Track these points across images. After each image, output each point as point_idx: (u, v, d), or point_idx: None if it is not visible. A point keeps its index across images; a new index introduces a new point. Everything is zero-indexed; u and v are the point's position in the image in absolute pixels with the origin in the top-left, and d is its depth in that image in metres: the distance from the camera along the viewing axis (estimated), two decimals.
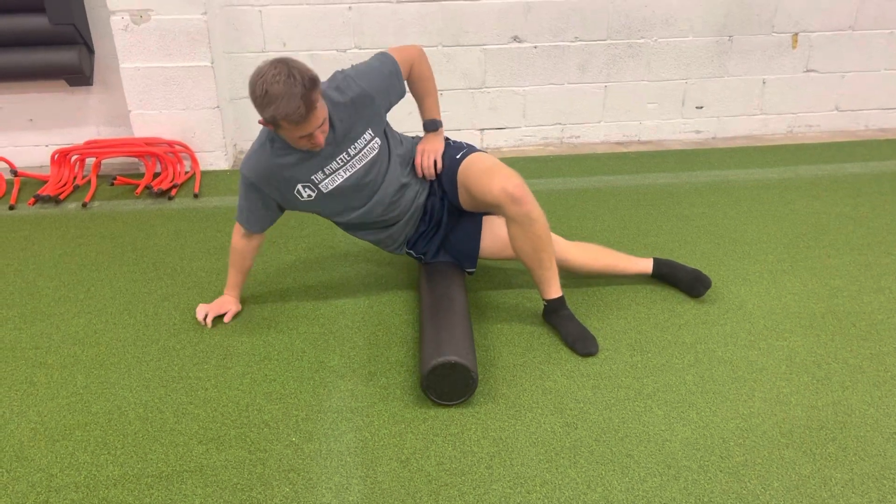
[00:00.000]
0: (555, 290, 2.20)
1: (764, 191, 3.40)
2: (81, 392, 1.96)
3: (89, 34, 3.60)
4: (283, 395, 1.95)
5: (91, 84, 3.71)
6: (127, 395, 1.95)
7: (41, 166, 3.80)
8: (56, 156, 3.57)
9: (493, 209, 2.17)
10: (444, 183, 2.30)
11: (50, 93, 3.74)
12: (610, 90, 4.11)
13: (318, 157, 2.08)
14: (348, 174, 2.14)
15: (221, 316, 2.32)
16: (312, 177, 2.12)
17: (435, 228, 2.37)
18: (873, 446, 1.74)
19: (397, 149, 2.25)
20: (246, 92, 3.94)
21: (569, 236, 2.71)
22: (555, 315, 2.21)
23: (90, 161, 3.65)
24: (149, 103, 3.58)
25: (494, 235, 2.33)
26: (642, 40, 4.00)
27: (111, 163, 3.77)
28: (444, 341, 1.92)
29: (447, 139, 2.39)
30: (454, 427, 1.82)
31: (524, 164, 3.84)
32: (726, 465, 1.68)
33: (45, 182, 3.51)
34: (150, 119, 3.63)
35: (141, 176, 3.60)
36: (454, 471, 1.68)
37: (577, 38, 3.94)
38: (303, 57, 3.74)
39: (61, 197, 3.36)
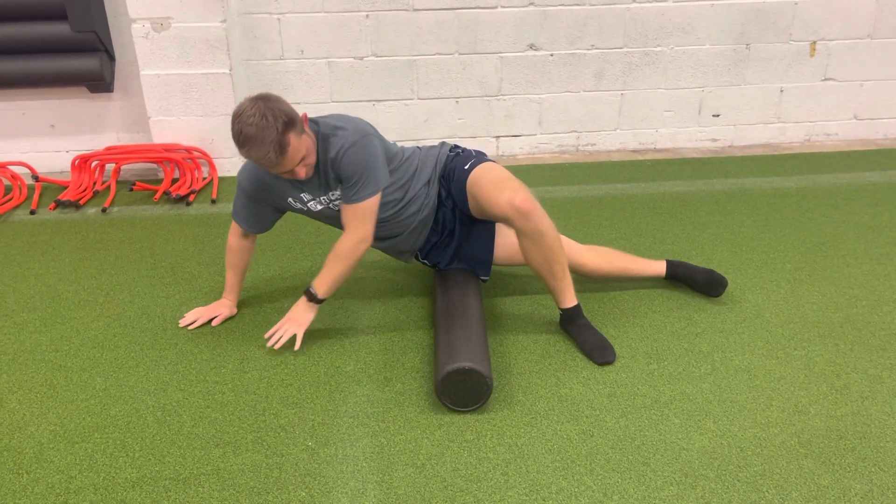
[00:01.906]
0: (570, 299, 2.20)
1: (781, 199, 3.38)
2: (100, 395, 1.98)
3: (110, 41, 3.65)
4: (299, 399, 1.96)
5: (111, 91, 3.76)
6: (145, 399, 1.96)
7: (62, 172, 3.85)
8: (76, 161, 3.62)
9: (501, 221, 2.18)
10: (454, 194, 2.29)
11: (71, 99, 3.79)
12: (626, 98, 4.11)
13: (305, 181, 2.10)
14: (334, 205, 2.17)
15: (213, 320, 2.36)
16: (301, 195, 2.15)
17: (448, 238, 2.37)
18: (893, 457, 1.72)
19: (396, 180, 2.20)
20: None
21: (583, 243, 2.70)
22: (571, 324, 2.21)
23: (110, 167, 3.69)
24: (168, 110, 3.62)
25: (507, 242, 2.34)
26: (659, 48, 3.99)
27: (130, 168, 3.82)
28: (459, 348, 1.92)
29: (457, 147, 2.37)
30: (469, 433, 1.82)
31: (540, 172, 3.85)
32: (744, 475, 1.67)
33: (66, 187, 3.56)
34: (169, 125, 3.66)
35: (160, 181, 3.64)
36: (470, 477, 1.68)
37: (593, 45, 3.94)
38: (320, 65, 3.79)
39: (81, 202, 3.40)
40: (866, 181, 3.61)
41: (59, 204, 3.36)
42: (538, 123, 4.12)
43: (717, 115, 4.22)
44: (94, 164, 3.64)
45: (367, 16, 3.72)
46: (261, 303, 2.46)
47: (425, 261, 2.44)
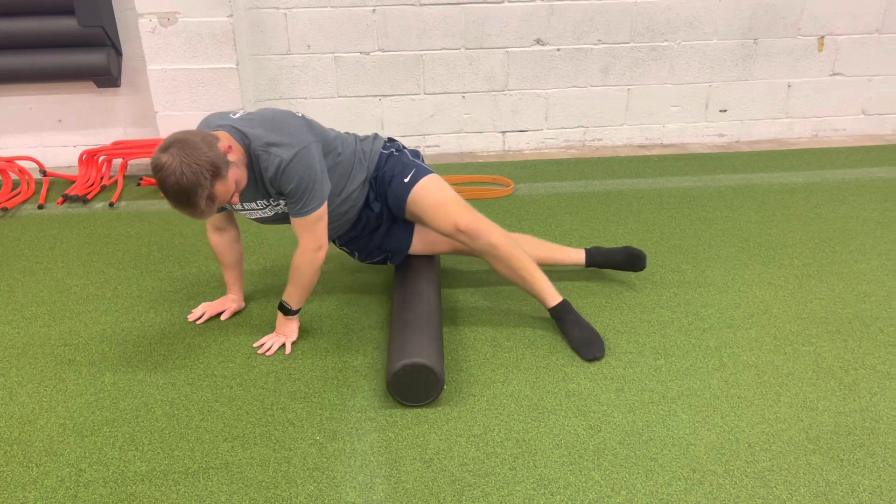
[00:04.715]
0: (552, 298, 2.20)
1: (789, 195, 3.37)
2: (109, 389, 1.99)
3: (117, 36, 3.66)
4: (308, 394, 1.96)
5: (119, 85, 3.77)
6: (154, 393, 1.97)
7: (69, 166, 3.86)
8: (84, 156, 3.63)
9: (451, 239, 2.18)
10: (390, 204, 2.25)
11: (78, 94, 3.80)
12: (633, 93, 4.10)
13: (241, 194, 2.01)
14: (271, 210, 2.14)
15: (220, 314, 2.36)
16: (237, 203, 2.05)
17: (369, 236, 2.35)
18: None
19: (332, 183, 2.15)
20: (270, 94, 4.00)
21: (591, 240, 2.72)
22: (561, 321, 2.21)
23: (117, 161, 3.70)
24: (175, 104, 3.62)
25: (425, 235, 2.34)
26: (666, 43, 3.98)
27: (138, 163, 3.82)
28: (392, 352, 1.93)
29: (391, 144, 2.31)
30: (477, 428, 1.82)
31: (546, 167, 3.84)
32: (752, 471, 1.67)
33: (73, 182, 3.57)
34: (176, 120, 3.66)
35: None
36: (477, 472, 1.68)
37: (600, 40, 3.93)
38: (327, 59, 3.79)
39: (89, 196, 3.41)
40: (875, 177, 3.60)
41: (67, 198, 3.37)
42: (545, 118, 4.11)
43: (725, 111, 4.21)
44: (101, 158, 3.65)
45: (374, 10, 3.71)
46: (268, 296, 2.47)
47: (343, 248, 2.44)
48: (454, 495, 1.61)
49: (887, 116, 4.33)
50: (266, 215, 2.15)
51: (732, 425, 1.82)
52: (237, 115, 2.00)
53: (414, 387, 1.87)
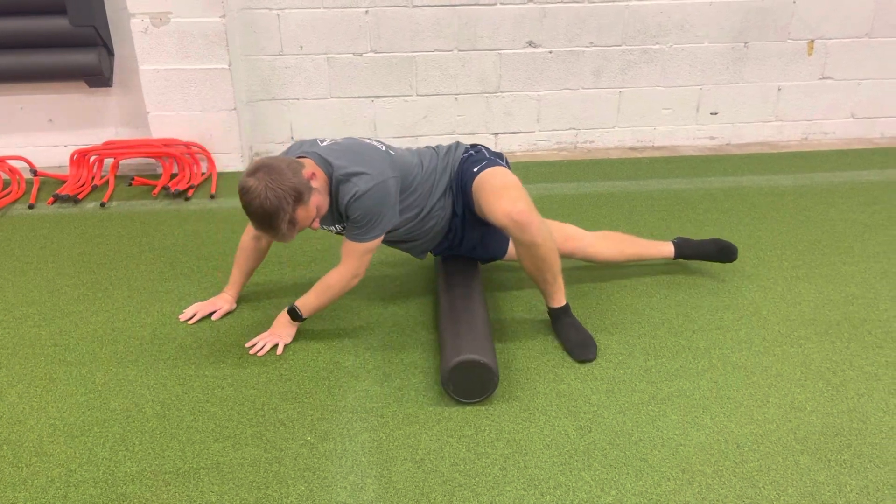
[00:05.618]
0: (558, 301, 2.21)
1: (779, 198, 3.39)
2: (100, 389, 1.99)
3: (109, 36, 3.65)
4: (299, 394, 1.96)
5: (110, 85, 3.76)
6: (145, 393, 1.97)
7: (60, 166, 3.84)
8: (75, 156, 3.62)
9: (499, 227, 2.17)
10: (464, 200, 2.27)
11: (69, 94, 3.78)
12: (624, 96, 4.11)
13: None
14: (335, 232, 2.22)
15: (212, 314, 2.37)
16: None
17: (458, 244, 2.38)
18: (889, 453, 1.73)
19: (415, 197, 2.19)
20: (262, 94, 4.00)
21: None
22: (557, 322, 2.23)
23: (108, 161, 3.69)
24: (167, 105, 3.62)
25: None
26: (657, 46, 4.00)
27: (129, 163, 3.81)
28: (472, 341, 1.94)
29: (472, 149, 2.31)
30: (468, 429, 1.83)
31: (538, 169, 3.85)
32: (741, 471, 1.68)
33: (64, 182, 3.55)
34: (167, 120, 3.66)
35: (158, 177, 3.64)
36: (468, 472, 1.68)
37: (592, 43, 3.95)
38: (319, 60, 3.79)
39: (80, 196, 3.40)
40: (863, 180, 3.63)
41: (58, 198, 3.35)
42: (537, 121, 4.12)
43: (715, 114, 4.23)
44: (92, 158, 3.64)
45: (367, 12, 3.72)
46: (260, 298, 2.47)
47: (439, 256, 2.50)
48: (445, 495, 1.62)
49: (876, 120, 4.36)
50: (344, 235, 2.20)
51: (722, 426, 1.83)
52: (324, 143, 2.10)
53: (468, 382, 1.89)
